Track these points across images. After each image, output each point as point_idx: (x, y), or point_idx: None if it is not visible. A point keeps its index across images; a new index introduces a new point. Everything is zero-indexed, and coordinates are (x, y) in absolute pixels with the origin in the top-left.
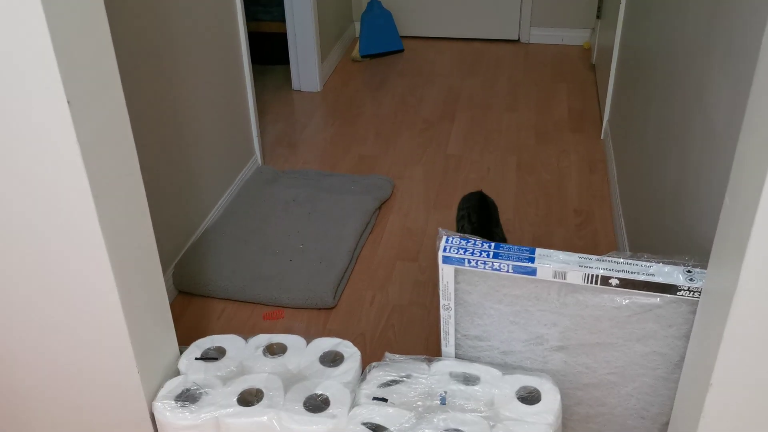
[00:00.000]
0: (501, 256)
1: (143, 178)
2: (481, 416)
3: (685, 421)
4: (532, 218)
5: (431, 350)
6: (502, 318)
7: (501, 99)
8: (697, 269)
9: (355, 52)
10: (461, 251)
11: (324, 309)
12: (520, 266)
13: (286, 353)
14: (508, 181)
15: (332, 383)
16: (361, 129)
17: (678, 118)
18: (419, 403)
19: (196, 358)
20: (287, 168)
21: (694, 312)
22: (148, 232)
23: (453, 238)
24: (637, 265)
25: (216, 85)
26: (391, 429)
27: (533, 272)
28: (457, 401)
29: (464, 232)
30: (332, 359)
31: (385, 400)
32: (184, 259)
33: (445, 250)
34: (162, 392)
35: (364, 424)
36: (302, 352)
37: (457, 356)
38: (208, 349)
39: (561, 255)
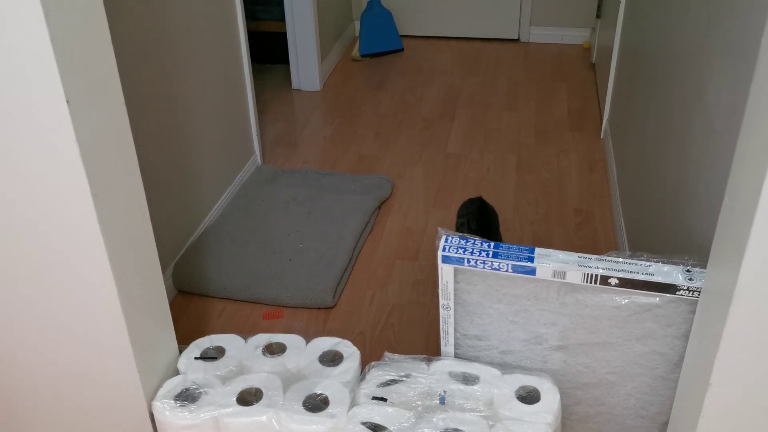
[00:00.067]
0: (500, 255)
1: (143, 178)
2: (480, 416)
3: (684, 420)
4: (531, 217)
5: (431, 350)
6: (502, 317)
7: (501, 98)
8: (697, 269)
9: (355, 52)
10: (461, 251)
11: (323, 308)
12: (520, 266)
13: (286, 353)
14: (508, 181)
15: (331, 383)
16: (360, 128)
17: (678, 118)
18: (419, 402)
19: (196, 358)
20: (287, 167)
21: (693, 312)
22: (148, 231)
23: (452, 238)
24: (636, 264)
25: (216, 85)
26: (391, 428)
27: (533, 272)
28: (456, 401)
29: None
30: (332, 359)
31: (384, 399)
32: (183, 258)
33: (444, 249)
34: (161, 392)
35: (364, 423)
36: (302, 351)
37: (457, 356)
38: (208, 348)
39: (560, 254)
